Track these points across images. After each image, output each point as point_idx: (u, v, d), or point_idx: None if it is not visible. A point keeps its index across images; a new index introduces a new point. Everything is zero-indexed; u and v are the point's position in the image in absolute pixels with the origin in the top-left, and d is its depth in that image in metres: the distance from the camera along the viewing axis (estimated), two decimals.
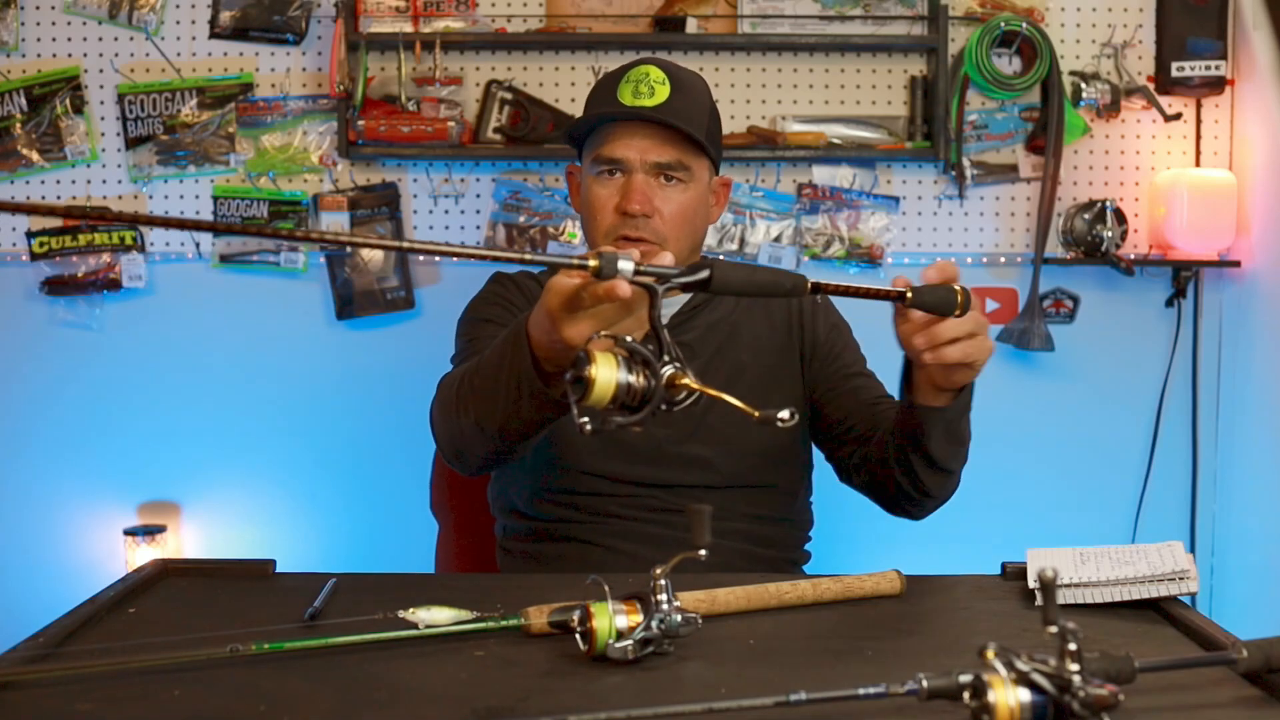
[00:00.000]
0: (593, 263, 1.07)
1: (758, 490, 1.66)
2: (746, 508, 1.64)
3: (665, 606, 1.03)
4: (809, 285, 1.19)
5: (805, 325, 1.72)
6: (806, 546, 1.77)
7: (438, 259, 2.83)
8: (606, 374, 1.03)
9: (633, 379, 1.04)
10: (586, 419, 1.04)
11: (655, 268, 1.09)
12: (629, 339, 1.07)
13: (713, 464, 1.63)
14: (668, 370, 1.04)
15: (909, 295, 1.24)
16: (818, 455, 1.77)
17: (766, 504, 1.67)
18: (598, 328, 1.16)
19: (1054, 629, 0.84)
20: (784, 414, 1.03)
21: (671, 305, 1.69)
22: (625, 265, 1.07)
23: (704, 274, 1.12)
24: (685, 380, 1.04)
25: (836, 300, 1.79)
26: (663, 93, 1.60)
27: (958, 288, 1.27)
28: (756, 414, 1.03)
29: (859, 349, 1.76)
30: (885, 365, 1.71)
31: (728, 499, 1.60)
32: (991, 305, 2.85)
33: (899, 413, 1.48)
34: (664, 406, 1.05)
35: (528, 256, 1.10)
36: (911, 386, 1.42)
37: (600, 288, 1.09)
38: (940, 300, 1.26)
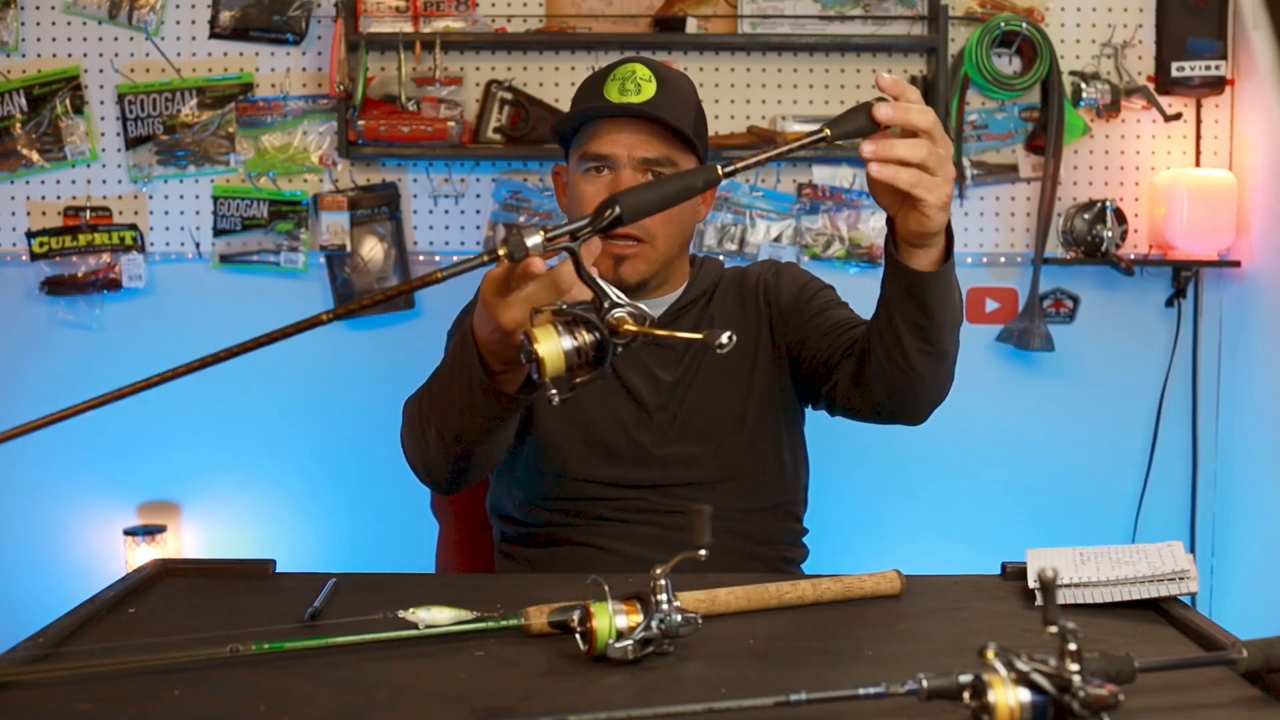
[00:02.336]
0: (502, 251, 1.09)
1: (745, 481, 1.66)
2: (737, 500, 1.64)
3: (665, 606, 1.03)
4: (720, 171, 1.13)
5: (771, 301, 1.72)
6: (805, 539, 1.77)
7: (438, 259, 2.83)
8: (551, 347, 1.07)
9: (578, 341, 1.07)
10: (554, 391, 1.07)
11: (563, 227, 1.10)
12: (563, 304, 1.09)
13: (698, 460, 1.64)
14: (618, 313, 1.08)
15: (828, 132, 1.16)
16: (814, 449, 1.77)
17: (756, 493, 1.67)
18: (532, 307, 1.15)
19: (1054, 629, 0.84)
20: (724, 337, 1.06)
21: (655, 308, 1.68)
22: (533, 240, 1.09)
23: (614, 210, 1.11)
24: (628, 326, 1.07)
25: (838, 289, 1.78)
26: (649, 89, 1.60)
27: (874, 101, 1.17)
28: (703, 334, 1.07)
29: (834, 294, 1.73)
30: None
31: (717, 494, 1.61)
32: (992, 305, 2.85)
33: (882, 290, 1.39)
34: (618, 349, 1.08)
35: (439, 275, 1.07)
36: (895, 249, 1.33)
37: (518, 269, 1.12)
38: (861, 128, 1.18)
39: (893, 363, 1.42)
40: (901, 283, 1.33)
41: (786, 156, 1.16)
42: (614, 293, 1.08)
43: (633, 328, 1.07)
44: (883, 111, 1.17)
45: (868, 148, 1.18)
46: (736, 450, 1.65)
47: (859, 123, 1.18)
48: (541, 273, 1.13)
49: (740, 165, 1.13)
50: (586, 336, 1.07)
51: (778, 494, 1.70)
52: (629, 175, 1.60)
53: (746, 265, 1.81)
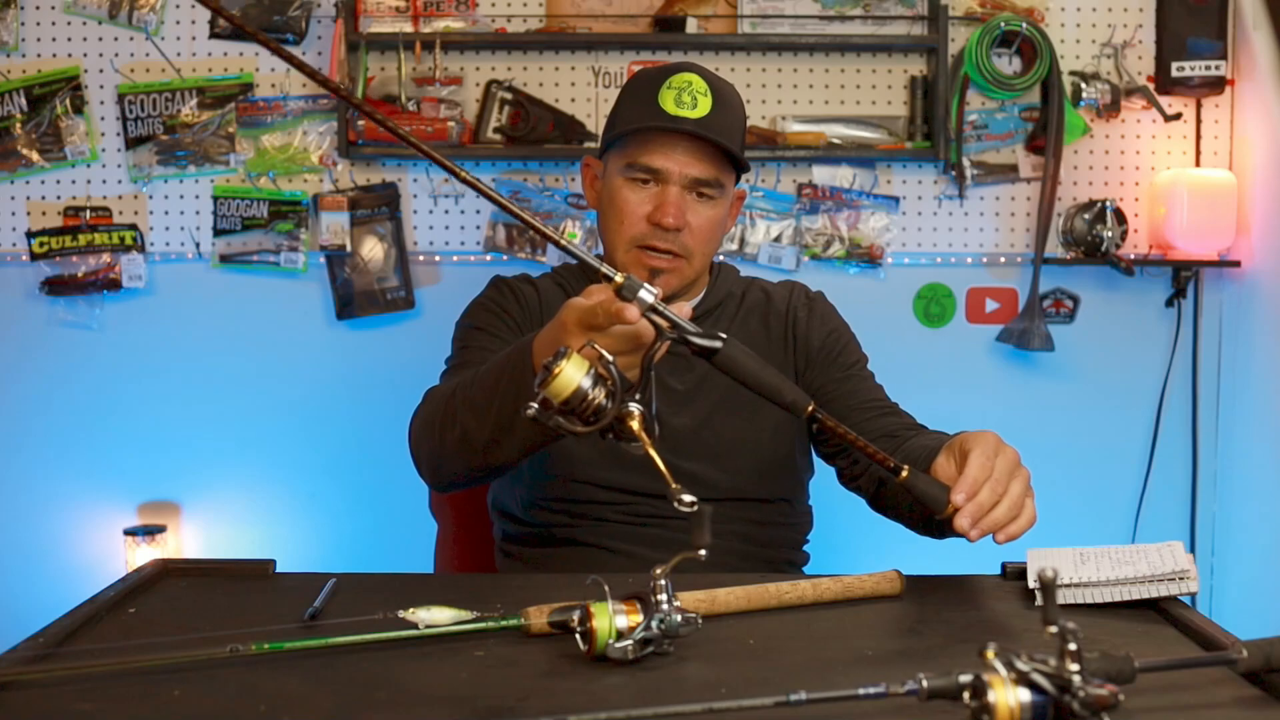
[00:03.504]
0: (619, 278, 1.09)
1: (754, 503, 1.65)
2: (744, 517, 1.64)
3: (665, 606, 1.03)
4: (810, 409, 1.17)
5: (799, 335, 1.71)
6: (805, 548, 1.76)
7: (438, 259, 2.83)
8: (572, 373, 1.06)
9: (593, 393, 1.07)
10: (534, 405, 1.07)
11: (673, 314, 1.12)
12: (612, 360, 1.09)
13: (707, 480, 1.62)
14: (632, 407, 1.08)
15: (905, 474, 1.21)
16: (818, 462, 1.77)
17: (763, 514, 1.66)
18: (609, 349, 1.16)
19: (1054, 629, 0.84)
20: (686, 497, 1.06)
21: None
22: (646, 296, 1.09)
23: (715, 344, 1.14)
24: (633, 424, 1.08)
25: (838, 302, 1.79)
26: (705, 105, 1.57)
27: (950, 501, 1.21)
28: (674, 487, 1.07)
29: (859, 349, 1.75)
30: (894, 363, 1.71)
31: (724, 510, 1.59)
32: (991, 305, 2.85)
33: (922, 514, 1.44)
34: (608, 435, 1.09)
35: (571, 248, 1.12)
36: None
37: (613, 307, 1.12)
38: (930, 497, 1.22)
39: (909, 522, 1.53)
40: (935, 520, 1.36)
41: (864, 451, 1.22)
42: (649, 396, 1.10)
43: (634, 427, 1.08)
44: (961, 525, 1.21)
45: (965, 528, 1.21)
46: (750, 474, 1.65)
47: (932, 497, 1.22)
48: (633, 323, 1.12)
49: (828, 421, 1.19)
50: (600, 399, 1.07)
51: (784, 516, 1.70)
52: (676, 191, 1.59)
53: (771, 282, 1.79)
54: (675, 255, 1.60)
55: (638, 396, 1.09)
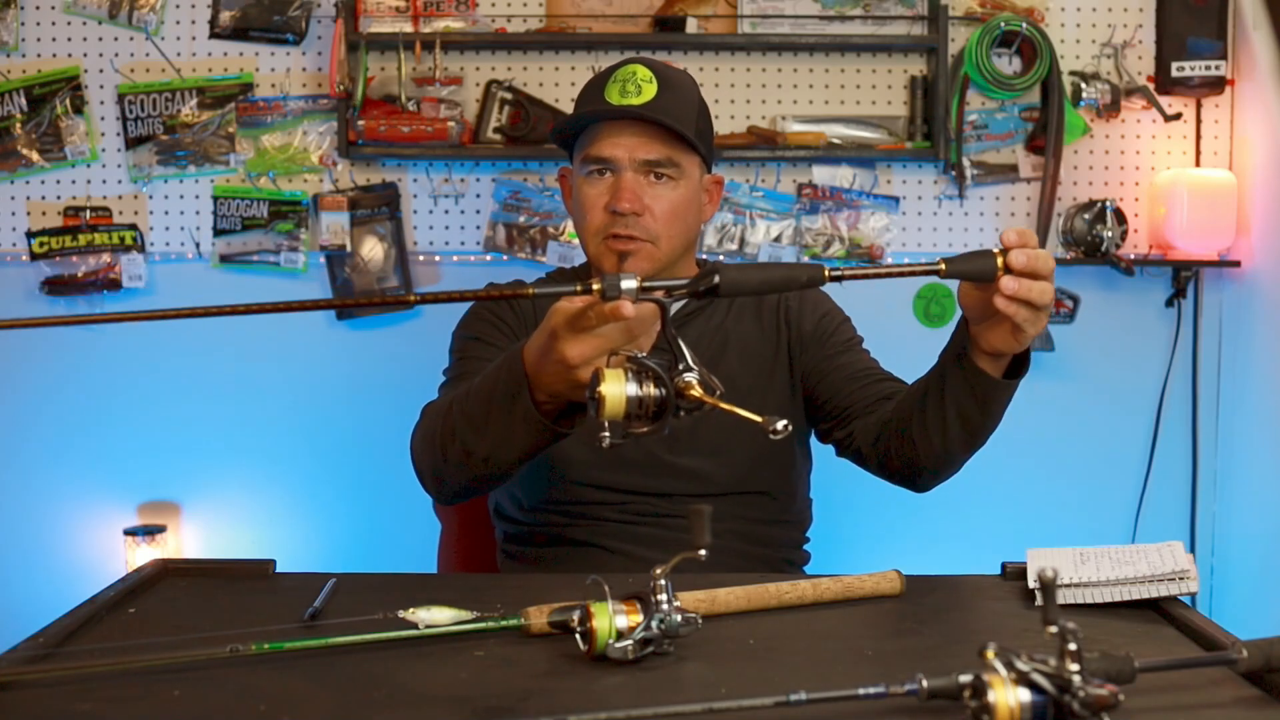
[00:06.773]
0: (596, 286, 1.10)
1: (752, 496, 1.65)
2: (742, 513, 1.64)
3: (665, 606, 1.03)
4: (826, 273, 1.16)
5: (792, 321, 1.71)
6: (805, 546, 1.76)
7: (438, 259, 2.83)
8: (615, 389, 1.08)
9: (643, 392, 1.09)
10: (606, 433, 1.10)
11: (660, 281, 1.13)
12: (639, 354, 1.11)
13: (705, 474, 1.63)
14: (688, 377, 1.09)
15: (943, 267, 1.19)
16: (817, 449, 1.77)
17: (762, 509, 1.66)
18: (602, 347, 1.18)
19: (1054, 629, 0.84)
20: (779, 424, 1.05)
21: None
22: (629, 284, 1.10)
23: (713, 280, 1.13)
24: (693, 391, 1.09)
25: (838, 301, 1.79)
26: (650, 91, 1.59)
27: (996, 251, 1.22)
28: (761, 419, 1.06)
29: (853, 330, 1.75)
30: (894, 362, 1.71)
31: (722, 506, 1.59)
32: None
33: (940, 378, 1.43)
34: (680, 413, 1.10)
35: (531, 291, 1.13)
36: (965, 353, 1.37)
37: (606, 308, 1.13)
38: (975, 267, 1.22)
39: (928, 443, 1.47)
40: (970, 382, 1.38)
41: (895, 275, 1.21)
42: (690, 356, 1.10)
43: (698, 394, 1.09)
44: (1019, 261, 1.22)
45: (1010, 285, 1.23)
46: (747, 466, 1.65)
47: (979, 267, 1.22)
48: (630, 317, 1.14)
49: (847, 274, 1.18)
50: (652, 391, 1.09)
51: (783, 511, 1.70)
52: (630, 177, 1.60)
53: None
54: (640, 240, 1.61)
55: (680, 367, 1.10)
